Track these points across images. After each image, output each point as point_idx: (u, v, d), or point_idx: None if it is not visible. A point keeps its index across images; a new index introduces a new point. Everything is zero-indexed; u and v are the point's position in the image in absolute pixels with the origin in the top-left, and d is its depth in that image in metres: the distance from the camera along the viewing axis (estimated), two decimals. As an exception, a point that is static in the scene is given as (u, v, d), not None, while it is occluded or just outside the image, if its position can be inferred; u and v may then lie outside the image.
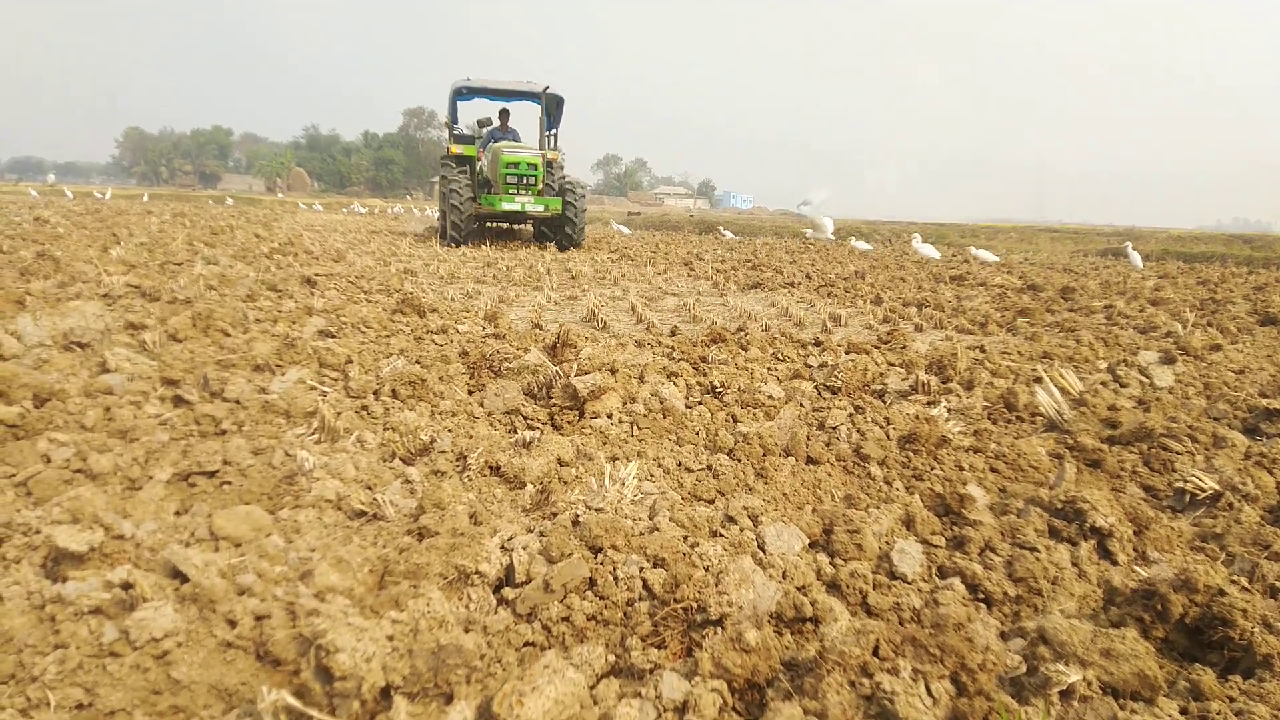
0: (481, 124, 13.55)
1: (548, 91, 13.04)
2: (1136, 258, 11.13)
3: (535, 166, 11.97)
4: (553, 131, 13.79)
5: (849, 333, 4.90)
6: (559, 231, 12.62)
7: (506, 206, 11.79)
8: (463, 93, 13.10)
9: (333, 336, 3.65)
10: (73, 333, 3.00)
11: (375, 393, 2.39)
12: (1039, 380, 2.97)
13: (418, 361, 2.98)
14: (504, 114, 13.64)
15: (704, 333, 3.80)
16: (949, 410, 2.58)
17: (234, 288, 4.84)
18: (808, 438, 2.18)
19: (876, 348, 3.97)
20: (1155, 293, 7.38)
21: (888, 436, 2.25)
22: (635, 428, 2.37)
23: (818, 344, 4.02)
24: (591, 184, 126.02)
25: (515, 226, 14.80)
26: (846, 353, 3.66)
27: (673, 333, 4.12)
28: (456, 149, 13.15)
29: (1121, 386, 3.14)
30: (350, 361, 2.84)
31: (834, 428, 2.43)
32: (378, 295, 5.10)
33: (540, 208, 11.90)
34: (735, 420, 2.50)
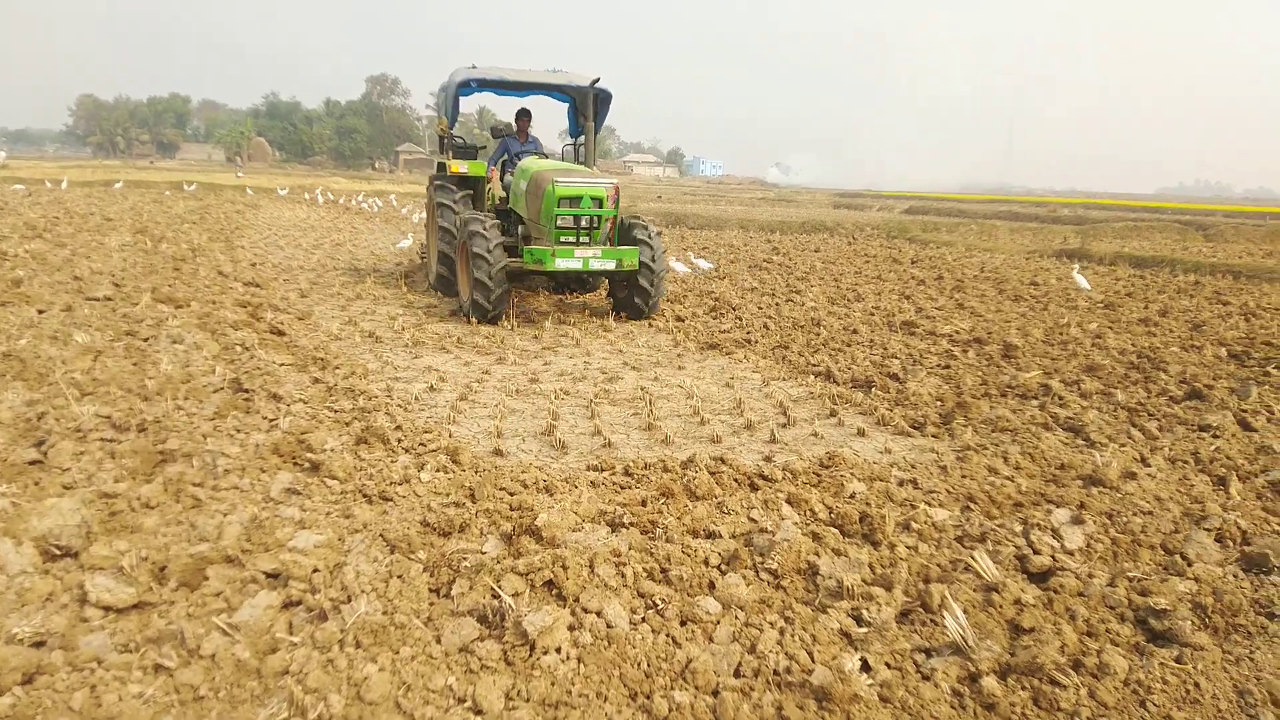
0: (497, 131, 10.30)
1: (597, 86, 9.71)
2: (1082, 280, 11.62)
3: (602, 203, 8.30)
4: (578, 141, 10.67)
5: (795, 439, 5.15)
6: (628, 294, 9.02)
7: (564, 264, 8.03)
8: (469, 86, 9.95)
9: (298, 494, 3.84)
10: (51, 534, 3.17)
11: (340, 643, 2.60)
12: (950, 577, 3.24)
13: (381, 611, 3.17)
14: (524, 117, 10.35)
15: (655, 486, 4.03)
16: (866, 627, 2.84)
17: (202, 403, 4.98)
18: (735, 701, 2.42)
19: (815, 485, 4.23)
20: (1093, 347, 7.71)
21: (806, 691, 2.49)
22: (581, 664, 2.61)
23: (763, 478, 4.27)
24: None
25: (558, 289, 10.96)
26: (787, 502, 3.90)
27: (626, 471, 4.34)
28: (458, 166, 9.93)
29: (1035, 553, 3.42)
30: (316, 571, 3.03)
31: (763, 655, 2.68)
32: (344, 402, 5.26)
33: (610, 264, 8.24)
34: (675, 643, 2.75)
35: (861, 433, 5.28)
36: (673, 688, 2.52)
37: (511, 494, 3.89)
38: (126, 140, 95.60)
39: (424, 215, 22.50)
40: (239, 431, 4.59)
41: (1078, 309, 10.11)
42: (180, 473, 3.85)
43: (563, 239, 8.33)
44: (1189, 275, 14.17)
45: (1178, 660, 2.78)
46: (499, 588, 2.92)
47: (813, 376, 6.71)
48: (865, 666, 2.62)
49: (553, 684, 2.49)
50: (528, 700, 2.43)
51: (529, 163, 9.25)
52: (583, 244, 8.34)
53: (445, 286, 9.82)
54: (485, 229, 8.17)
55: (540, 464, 4.51)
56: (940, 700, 2.50)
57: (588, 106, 9.87)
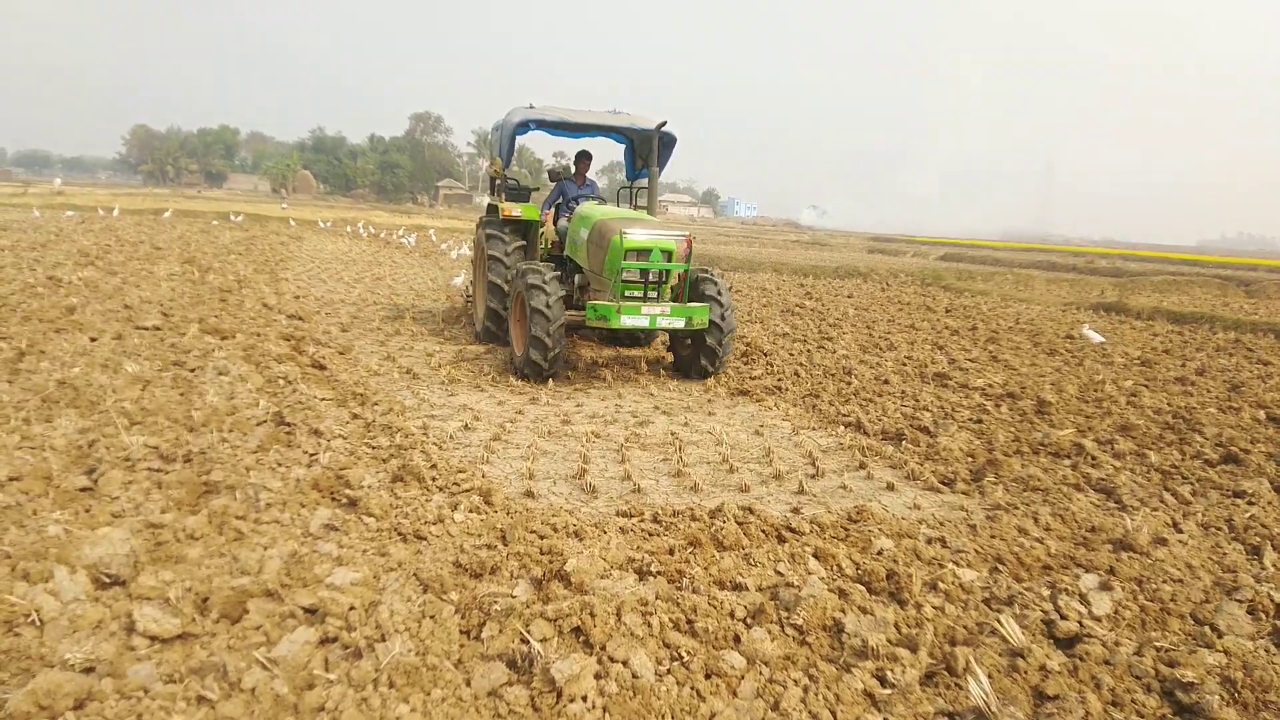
0: (555, 174, 9.96)
1: (663, 129, 9.18)
2: (1094, 335, 12.05)
3: (672, 256, 7.76)
4: (634, 184, 10.34)
5: (823, 491, 5.18)
6: (693, 352, 8.45)
7: (630, 321, 7.40)
8: (526, 126, 9.30)
9: (336, 530, 3.95)
10: (102, 563, 3.30)
11: (374, 682, 2.67)
12: (975, 640, 3.25)
13: (414, 651, 3.25)
14: (584, 159, 9.68)
15: (683, 535, 4.09)
16: (890, 689, 2.86)
17: (246, 435, 5.13)
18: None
19: (843, 539, 4.25)
20: (1128, 405, 7.65)
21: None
22: (606, 714, 2.66)
23: (791, 530, 4.31)
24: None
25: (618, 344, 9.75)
26: (814, 556, 3.94)
27: (655, 518, 4.40)
28: (511, 210, 9.35)
29: (1062, 619, 3.42)
30: (353, 609, 3.12)
31: (786, 713, 2.71)
32: (381, 439, 5.39)
33: (680, 322, 7.54)
34: (700, 696, 2.79)
35: (891, 487, 5.29)
36: (696, 742, 2.56)
37: (542, 537, 3.97)
38: (176, 169, 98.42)
39: (462, 251, 22.98)
40: (280, 465, 4.73)
41: (1113, 365, 10.03)
42: (224, 505, 3.98)
43: (628, 294, 7.77)
44: (1229, 333, 13.98)
45: (1204, 735, 2.76)
46: (528, 633, 2.99)
47: (843, 427, 6.73)
48: (888, 728, 2.64)
49: (578, 734, 2.55)
50: (554, 747, 2.48)
51: (590, 209, 8.54)
52: (650, 300, 7.74)
53: (492, 338, 9.46)
54: (545, 282, 7.59)
55: (571, 507, 4.59)
56: (962, 767, 2.52)
57: (651, 150, 9.25)
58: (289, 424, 5.49)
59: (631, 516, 4.47)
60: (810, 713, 2.72)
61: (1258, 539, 4.53)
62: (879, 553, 4.06)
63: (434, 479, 4.74)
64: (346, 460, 4.88)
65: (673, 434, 6.26)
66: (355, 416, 5.89)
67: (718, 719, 2.65)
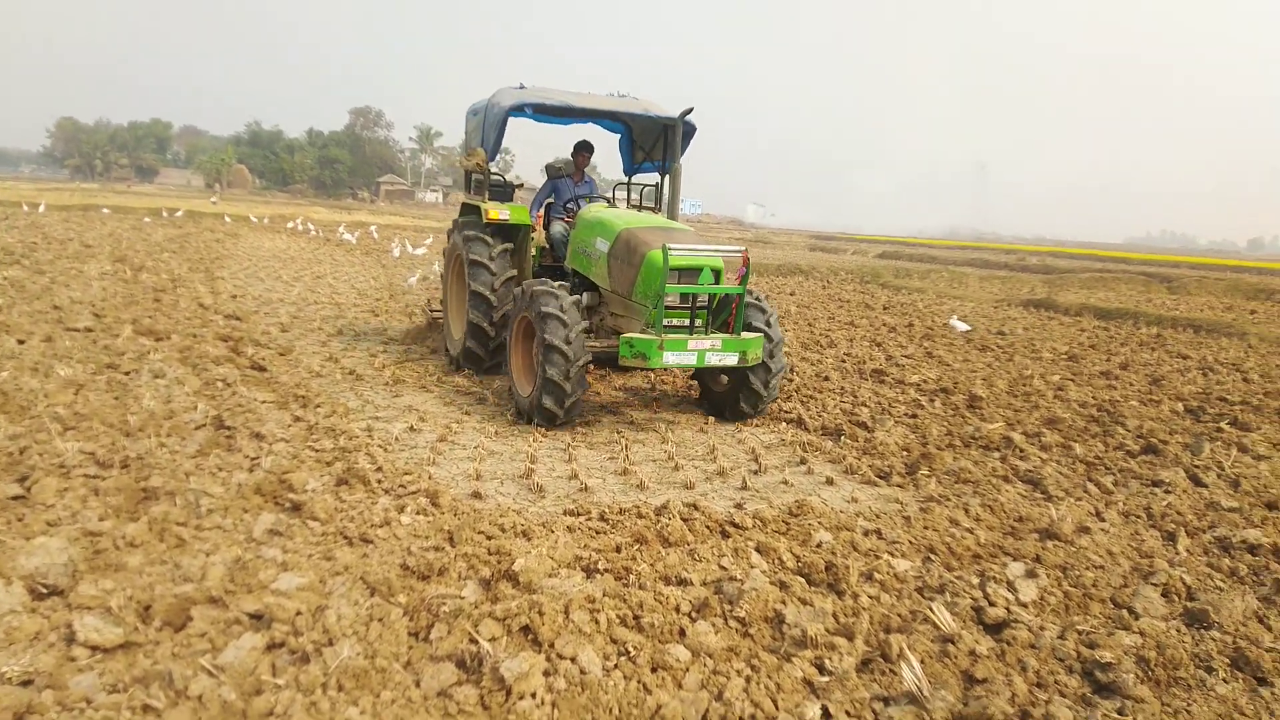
0: (555, 170, 8.32)
1: (686, 119, 7.73)
2: (960, 325, 12.92)
3: (720, 275, 6.45)
4: (640, 183, 8.98)
5: (765, 486, 5.31)
6: (731, 391, 7.01)
7: (674, 360, 5.99)
8: (521, 110, 7.74)
9: (280, 535, 3.93)
10: (39, 573, 3.24)
11: (323, 686, 2.69)
12: (909, 628, 3.39)
13: (362, 654, 3.26)
14: (585, 151, 8.29)
15: (629, 532, 4.16)
16: (828, 676, 2.98)
17: (185, 440, 5.06)
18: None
19: (784, 533, 4.38)
20: (1055, 399, 7.96)
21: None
22: (555, 710, 2.72)
23: (734, 525, 4.42)
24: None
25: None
26: (756, 550, 4.05)
27: (602, 516, 4.47)
28: (498, 212, 7.75)
29: (991, 605, 3.59)
30: (299, 613, 3.12)
31: (729, 702, 2.81)
32: (325, 441, 5.35)
33: (733, 358, 6.18)
34: (646, 690, 2.86)
35: (830, 481, 5.45)
36: (643, 734, 2.63)
37: (490, 538, 4.01)
38: (105, 164, 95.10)
39: (404, 248, 22.65)
40: (221, 470, 4.67)
41: (1042, 360, 10.41)
42: (164, 511, 3.93)
43: (669, 323, 6.26)
44: (1151, 328, 14.59)
45: (1119, 712, 2.93)
46: (477, 633, 3.03)
47: (784, 423, 6.89)
48: (826, 714, 2.75)
49: (527, 729, 2.60)
50: (503, 744, 2.53)
51: (604, 214, 7.19)
52: (701, 335, 6.22)
53: (474, 362, 7.99)
54: (563, 309, 6.15)
55: (518, 508, 4.63)
56: (896, 750, 2.64)
57: (671, 142, 7.90)
58: (229, 428, 5.41)
59: (579, 515, 4.53)
60: (752, 701, 2.82)
61: (1173, 525, 4.79)
62: (818, 545, 4.19)
63: (379, 481, 4.73)
64: (289, 464, 4.84)
65: (619, 433, 6.33)
66: (297, 419, 5.83)
67: (664, 711, 2.72)
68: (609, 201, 8.29)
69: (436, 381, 7.75)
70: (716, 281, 6.39)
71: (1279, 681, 3.21)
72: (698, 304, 6.44)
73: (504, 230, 7.97)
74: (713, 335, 6.25)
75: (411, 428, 6.07)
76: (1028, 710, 2.86)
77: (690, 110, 7.63)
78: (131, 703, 2.55)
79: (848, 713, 2.78)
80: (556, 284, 6.61)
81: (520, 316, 6.74)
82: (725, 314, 6.47)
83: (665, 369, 6.52)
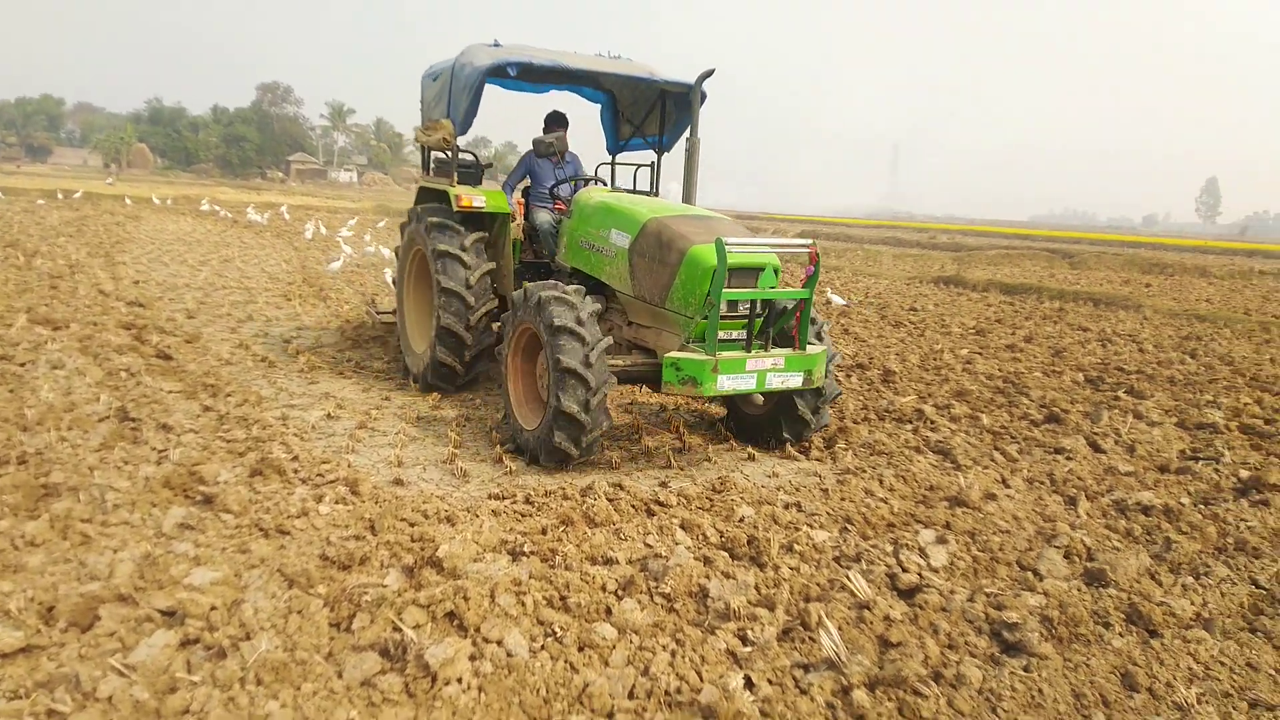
0: (545, 148, 6.81)
1: (704, 80, 6.41)
2: (837, 299, 13.28)
3: (777, 273, 5.21)
4: (623, 157, 7.87)
5: (689, 464, 5.38)
6: (772, 414, 5.86)
7: (730, 384, 4.96)
8: (504, 72, 6.44)
9: (192, 529, 3.81)
10: (-73, 578, 3.07)
11: (241, 681, 2.63)
12: (828, 596, 3.50)
13: (281, 647, 3.20)
14: (560, 125, 7.09)
15: (555, 514, 4.17)
16: (750, 646, 3.06)
17: (87, 433, 4.84)
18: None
19: (708, 509, 4.45)
20: (964, 372, 8.27)
21: (694, 709, 2.69)
22: (482, 693, 2.72)
23: (659, 503, 4.47)
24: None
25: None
26: (680, 527, 4.11)
27: (527, 499, 4.46)
28: (471, 198, 6.50)
29: (904, 572, 3.73)
30: (214, 608, 3.04)
31: (655, 676, 2.85)
32: (237, 431, 5.19)
33: (797, 378, 5.19)
34: (573, 669, 2.89)
35: (751, 457, 5.55)
36: (570, 712, 2.66)
37: (413, 525, 3.96)
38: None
39: (318, 230, 21.94)
40: (127, 463, 4.49)
41: (951, 335, 10.78)
42: (67, 508, 3.77)
43: (722, 337, 5.06)
44: (1053, 302, 15.24)
45: (1025, 669, 3.09)
46: (400, 621, 3.00)
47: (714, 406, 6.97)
48: (749, 684, 2.82)
49: (454, 713, 2.60)
50: (430, 730, 2.52)
51: (619, 201, 5.93)
52: (761, 354, 5.06)
53: (445, 380, 6.70)
54: (581, 321, 5.04)
55: (442, 493, 4.59)
56: (815, 713, 2.73)
57: (692, 110, 6.48)
58: (134, 419, 5.20)
59: (504, 499, 4.51)
60: (678, 674, 2.87)
61: (1074, 490, 5.04)
62: (740, 520, 4.28)
63: (296, 471, 4.62)
64: (200, 455, 4.68)
65: (542, 414, 6.31)
66: (207, 409, 5.63)
67: (591, 689, 2.75)
68: (605, 185, 7.15)
69: (355, 368, 7.58)
70: (779, 284, 5.16)
71: (1168, 633, 3.43)
72: (754, 312, 5.18)
73: (477, 220, 6.76)
74: (773, 351, 5.15)
75: (329, 415, 5.93)
76: (940, 671, 3.00)
77: (711, 73, 6.35)
78: (35, 708, 2.45)
79: (770, 681, 2.86)
80: (571, 287, 5.28)
81: (521, 328, 5.48)
82: (782, 323, 5.38)
83: (721, 396, 5.29)
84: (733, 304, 5.16)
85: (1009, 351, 9.68)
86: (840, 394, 6.00)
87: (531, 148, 6.94)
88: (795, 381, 5.14)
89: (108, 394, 5.68)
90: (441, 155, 7.20)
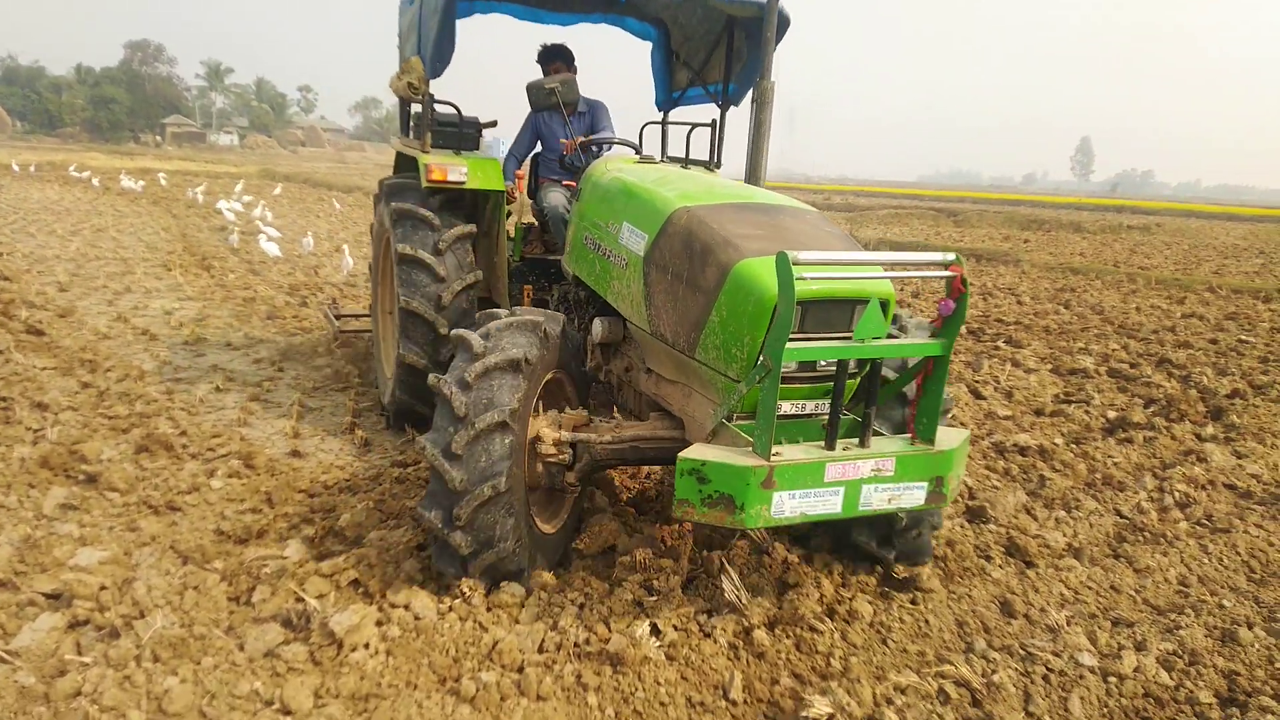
0: (539, 95, 4.97)
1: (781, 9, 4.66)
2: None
3: (887, 310, 2.88)
4: (663, 119, 5.80)
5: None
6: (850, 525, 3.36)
7: (794, 508, 2.67)
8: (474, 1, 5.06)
9: (75, 509, 3.65)
10: None
11: (136, 659, 2.55)
12: (729, 544, 3.62)
13: (178, 624, 3.12)
14: (559, 60, 5.22)
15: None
16: (655, 596, 3.14)
17: (-50, 415, 4.54)
18: (539, 674, 2.63)
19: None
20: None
21: (603, 658, 2.75)
22: (390, 657, 2.72)
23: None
24: (349, 129, 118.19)
25: None
26: (596, 488, 4.16)
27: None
28: (445, 169, 4.53)
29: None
30: (104, 588, 2.93)
31: (564, 630, 2.91)
32: (119, 408, 4.95)
33: (919, 489, 2.87)
34: (483, 628, 2.91)
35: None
36: (480, 669, 2.69)
37: (313, 495, 3.89)
38: None
39: (198, 196, 20.79)
40: (1, 444, 4.24)
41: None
42: (-68, 494, 3.54)
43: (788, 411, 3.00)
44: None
45: (913, 602, 3.29)
46: (303, 591, 2.97)
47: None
48: (655, 631, 2.91)
49: (362, 678, 2.59)
50: (337, 696, 2.51)
51: (638, 177, 3.78)
52: (846, 432, 2.95)
53: (409, 418, 4.94)
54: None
55: (342, 463, 4.50)
56: (719, 654, 2.84)
57: (755, 48, 4.87)
58: (5, 398, 4.90)
59: (408, 466, 4.45)
60: (586, 626, 2.93)
61: (957, 435, 5.32)
62: (647, 476, 4.36)
63: (185, 446, 4.45)
64: (80, 433, 4.46)
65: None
66: (86, 385, 5.35)
67: (500, 645, 2.78)
68: (637, 151, 4.83)
69: (244, 338, 7.30)
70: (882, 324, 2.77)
71: (1042, 563, 3.69)
72: (845, 375, 2.81)
73: (459, 201, 4.86)
74: (879, 442, 2.96)
75: (218, 388, 5.70)
76: (834, 607, 3.16)
77: None
78: (-92, 702, 2.33)
79: (675, 627, 2.95)
80: (527, 314, 3.36)
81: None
82: (891, 392, 3.17)
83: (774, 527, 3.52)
84: (808, 362, 2.97)
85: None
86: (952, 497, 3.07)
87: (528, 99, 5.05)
88: (914, 497, 2.89)
89: (-27, 371, 5.32)
90: (416, 108, 5.27)
